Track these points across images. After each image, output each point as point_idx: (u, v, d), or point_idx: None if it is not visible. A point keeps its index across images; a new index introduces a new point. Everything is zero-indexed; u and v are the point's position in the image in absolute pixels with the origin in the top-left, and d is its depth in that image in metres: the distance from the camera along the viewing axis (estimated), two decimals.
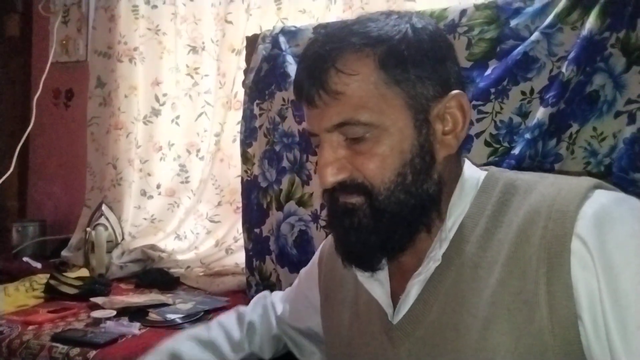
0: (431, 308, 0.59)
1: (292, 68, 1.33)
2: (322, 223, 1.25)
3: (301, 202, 1.29)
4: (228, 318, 0.88)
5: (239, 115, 1.52)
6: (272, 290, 1.28)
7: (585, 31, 0.99)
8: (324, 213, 1.24)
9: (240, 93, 1.53)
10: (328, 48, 0.58)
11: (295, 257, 1.28)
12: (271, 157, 1.37)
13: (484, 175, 0.63)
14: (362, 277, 0.65)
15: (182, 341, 0.82)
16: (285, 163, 1.33)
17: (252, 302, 0.92)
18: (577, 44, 1.00)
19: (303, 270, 0.87)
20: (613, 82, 1.00)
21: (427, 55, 0.58)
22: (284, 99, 1.35)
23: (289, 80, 1.33)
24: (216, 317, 0.91)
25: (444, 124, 0.59)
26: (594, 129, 1.02)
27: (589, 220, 0.50)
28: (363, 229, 0.59)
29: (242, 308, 0.91)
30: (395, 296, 0.63)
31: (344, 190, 0.59)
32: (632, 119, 0.96)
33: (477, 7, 1.09)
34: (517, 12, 1.07)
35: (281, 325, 0.86)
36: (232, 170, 1.63)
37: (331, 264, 0.76)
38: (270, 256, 1.34)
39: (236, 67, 1.62)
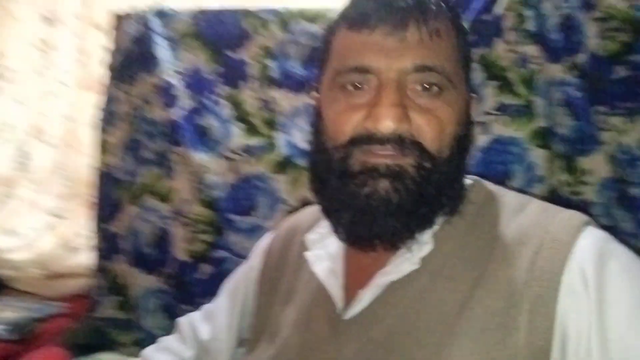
0: (392, 310, 0.53)
1: (163, 52, 1.23)
2: (185, 220, 1.15)
3: (162, 197, 1.18)
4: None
5: (97, 98, 1.36)
6: (122, 294, 1.15)
7: None
8: (187, 209, 1.15)
9: (104, 75, 1.38)
10: None
11: (152, 257, 1.17)
12: (131, 146, 1.24)
13: (469, 182, 0.60)
14: (317, 266, 0.59)
15: None
16: (146, 153, 1.21)
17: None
18: None
19: (238, 274, 0.76)
20: None
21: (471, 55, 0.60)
22: (151, 84, 1.24)
23: (159, 65, 1.22)
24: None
25: None
26: None
27: (587, 253, 0.49)
28: (407, 194, 0.51)
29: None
30: (348, 290, 0.57)
31: (398, 145, 0.51)
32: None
33: None
34: None
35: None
36: (85, 159, 1.45)
37: (282, 252, 0.69)
38: (122, 256, 1.20)
39: (99, 46, 1.46)
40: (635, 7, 0.84)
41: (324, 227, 0.62)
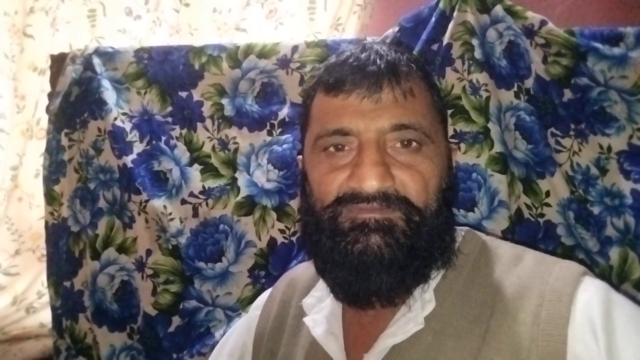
0: None
1: (108, 94, 1.17)
2: (149, 272, 1.10)
3: (122, 249, 1.13)
4: None
5: (42, 145, 1.29)
6: (89, 355, 1.09)
7: None
8: (150, 260, 1.10)
9: (44, 120, 1.31)
10: (402, 52, 0.56)
11: (116, 313, 1.11)
12: (84, 196, 1.17)
13: (461, 233, 0.60)
14: (316, 330, 0.58)
15: None
16: (101, 203, 1.16)
17: None
18: None
19: (233, 338, 0.74)
20: None
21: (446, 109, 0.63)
22: (99, 129, 1.18)
23: (105, 108, 1.17)
24: None
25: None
26: None
27: (591, 303, 0.50)
28: (399, 248, 0.52)
29: None
30: (350, 353, 0.57)
31: (384, 202, 0.52)
32: None
33: (308, 45, 1.09)
34: None
35: None
36: (35, 212, 1.37)
37: (279, 317, 0.67)
38: (85, 314, 1.14)
39: (39, 90, 1.38)
40: (571, 33, 0.87)
41: (320, 289, 0.62)
